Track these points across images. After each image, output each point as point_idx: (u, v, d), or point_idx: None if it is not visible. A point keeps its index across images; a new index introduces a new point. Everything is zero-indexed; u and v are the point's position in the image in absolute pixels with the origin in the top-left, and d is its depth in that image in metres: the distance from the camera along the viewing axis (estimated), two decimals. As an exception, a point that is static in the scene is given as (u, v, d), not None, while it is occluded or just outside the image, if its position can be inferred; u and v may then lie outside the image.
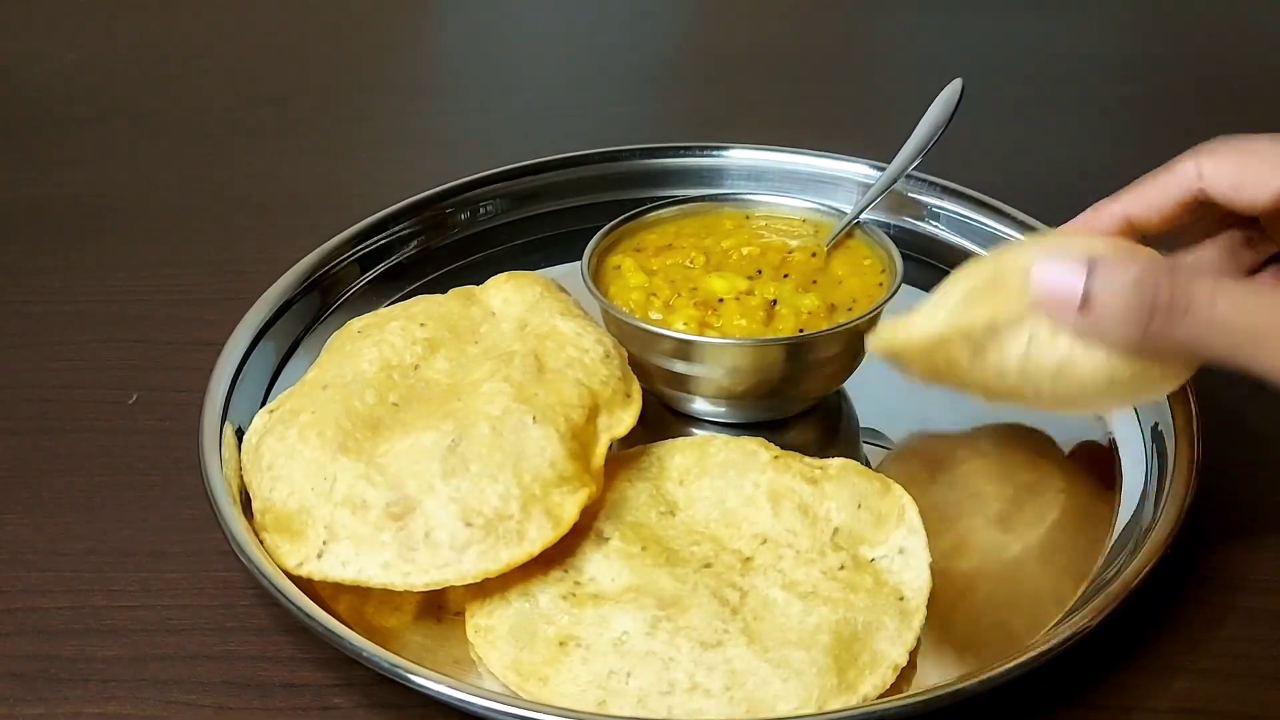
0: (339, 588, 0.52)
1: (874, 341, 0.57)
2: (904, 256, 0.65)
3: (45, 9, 1.22)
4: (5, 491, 0.61)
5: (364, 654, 0.48)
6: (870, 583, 0.51)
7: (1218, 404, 0.60)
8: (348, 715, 0.50)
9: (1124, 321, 0.48)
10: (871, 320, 0.62)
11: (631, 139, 0.82)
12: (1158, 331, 0.48)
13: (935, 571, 0.52)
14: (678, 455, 0.58)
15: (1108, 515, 0.58)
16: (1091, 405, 0.60)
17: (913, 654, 0.50)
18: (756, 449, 0.57)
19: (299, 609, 0.50)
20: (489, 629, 0.51)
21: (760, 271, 0.65)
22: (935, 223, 0.76)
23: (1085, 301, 0.48)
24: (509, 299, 0.63)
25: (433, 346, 0.60)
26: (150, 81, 1.09)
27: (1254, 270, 0.56)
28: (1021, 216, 0.73)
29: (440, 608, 0.53)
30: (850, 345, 0.61)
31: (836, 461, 0.57)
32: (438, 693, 0.47)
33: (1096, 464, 0.61)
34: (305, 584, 0.51)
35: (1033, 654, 0.48)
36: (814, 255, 0.66)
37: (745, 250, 0.66)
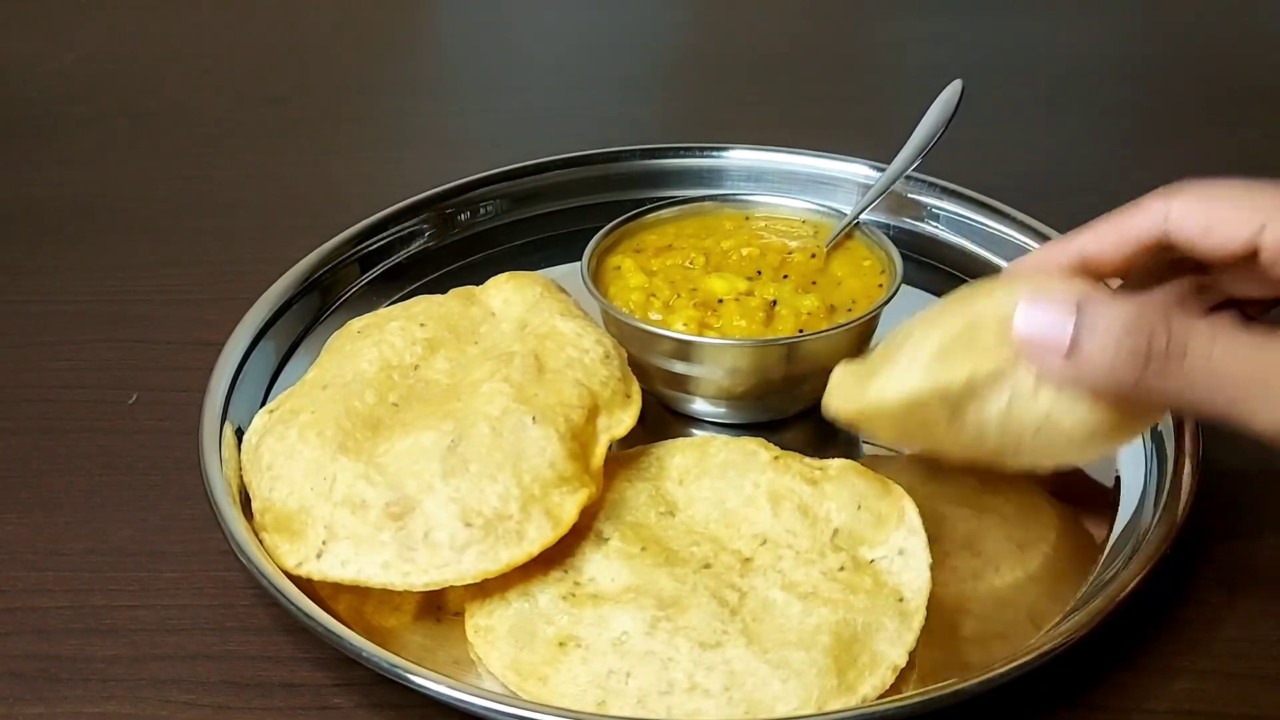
0: (338, 588, 0.52)
1: (836, 404, 0.54)
2: (904, 257, 0.65)
3: (45, 9, 1.22)
4: (5, 491, 0.61)
5: (364, 654, 0.48)
6: (870, 583, 0.51)
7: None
8: (347, 715, 0.50)
9: (1116, 368, 0.45)
10: (871, 320, 0.62)
11: (631, 139, 0.82)
12: (1151, 379, 0.44)
13: (934, 572, 0.52)
14: (677, 455, 0.58)
15: (1108, 515, 0.58)
16: (1068, 458, 0.54)
17: (912, 654, 0.50)
18: (756, 449, 0.57)
19: (298, 609, 0.50)
20: (488, 629, 0.51)
21: (760, 272, 0.65)
22: (935, 223, 0.76)
23: (1074, 347, 0.45)
24: (509, 299, 0.63)
25: (433, 346, 0.60)
26: (150, 81, 1.09)
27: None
28: (1021, 217, 0.73)
29: (440, 608, 0.53)
30: (850, 346, 0.61)
31: (836, 462, 0.56)
32: (437, 693, 0.47)
33: (1096, 464, 0.61)
34: (305, 584, 0.51)
35: (1032, 654, 0.48)
36: (814, 256, 0.66)
37: (745, 251, 0.66)
